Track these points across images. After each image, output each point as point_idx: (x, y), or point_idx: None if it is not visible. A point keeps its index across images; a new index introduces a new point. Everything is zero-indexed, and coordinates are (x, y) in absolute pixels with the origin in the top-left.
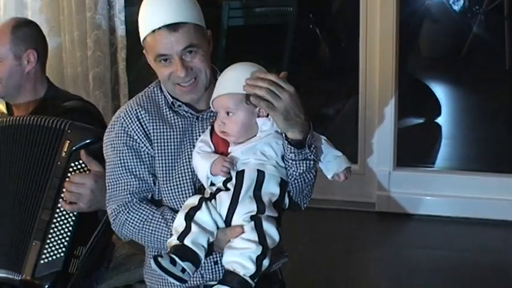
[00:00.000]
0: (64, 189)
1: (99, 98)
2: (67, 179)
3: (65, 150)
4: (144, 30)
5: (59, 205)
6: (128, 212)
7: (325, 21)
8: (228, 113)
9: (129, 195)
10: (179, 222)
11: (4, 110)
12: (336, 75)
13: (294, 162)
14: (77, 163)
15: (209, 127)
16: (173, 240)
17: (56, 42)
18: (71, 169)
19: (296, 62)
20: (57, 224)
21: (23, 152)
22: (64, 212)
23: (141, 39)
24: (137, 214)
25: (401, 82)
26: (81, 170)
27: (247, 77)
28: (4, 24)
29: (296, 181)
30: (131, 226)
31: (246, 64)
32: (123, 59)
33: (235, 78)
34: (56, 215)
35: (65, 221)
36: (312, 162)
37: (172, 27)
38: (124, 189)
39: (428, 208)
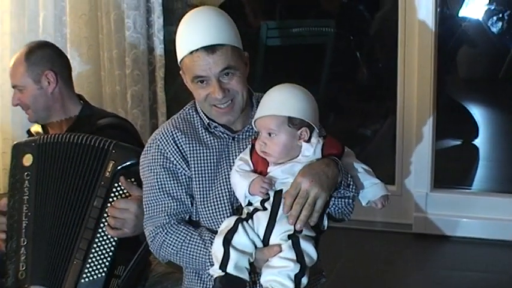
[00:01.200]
0: (108, 215)
1: (137, 116)
2: (111, 205)
3: (109, 170)
4: (181, 51)
5: (101, 225)
6: (165, 234)
7: (363, 42)
8: (269, 134)
9: (167, 217)
10: (217, 248)
11: (40, 129)
12: (373, 96)
13: (332, 199)
14: (120, 183)
15: (249, 145)
16: (216, 270)
17: (95, 60)
18: (114, 189)
19: (334, 82)
20: (99, 244)
21: (64, 170)
22: (106, 232)
23: (179, 60)
24: (175, 235)
25: (439, 103)
26: (124, 191)
27: (290, 100)
28: (18, 54)
29: (337, 207)
30: (169, 248)
31: (289, 86)
32: (161, 78)
33: (278, 101)
34: (98, 235)
35: (107, 241)
36: (350, 200)
37: (210, 49)
38: (162, 210)
39: (465, 230)
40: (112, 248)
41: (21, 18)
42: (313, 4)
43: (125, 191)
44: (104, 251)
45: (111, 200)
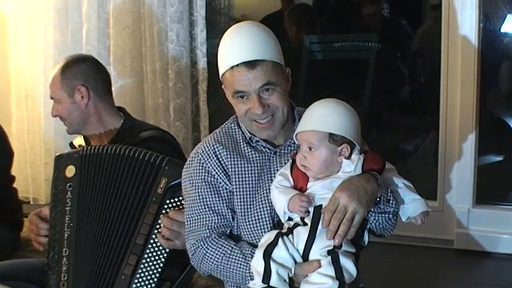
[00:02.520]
0: (162, 225)
1: (179, 129)
2: (166, 215)
3: (161, 187)
4: (223, 65)
5: (151, 241)
6: (206, 247)
7: (405, 57)
8: (310, 148)
9: (208, 231)
10: (257, 262)
11: (82, 142)
12: (415, 111)
13: (372, 214)
14: (172, 200)
15: (290, 160)
16: (257, 284)
17: (138, 73)
18: (165, 206)
19: (376, 97)
20: (148, 260)
21: (109, 182)
22: (156, 249)
23: (220, 74)
24: (216, 249)
25: (482, 119)
26: (175, 207)
27: (332, 116)
28: (56, 68)
29: (377, 222)
30: (210, 261)
31: (333, 102)
32: (204, 91)
33: (320, 116)
34: (148, 250)
35: (156, 257)
36: (390, 215)
37: (250, 64)
38: (203, 224)
39: (507, 246)
40: (161, 264)
41: (65, 30)
42: (356, 19)
43: (180, 206)
44: (152, 267)
45: (169, 217)
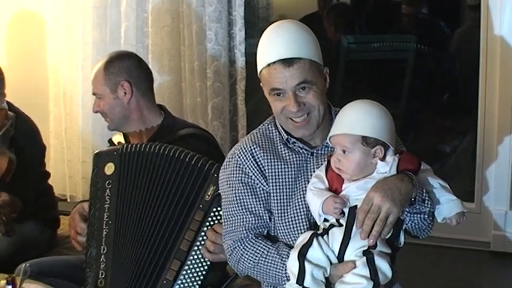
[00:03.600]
0: (207, 238)
1: (217, 128)
2: (211, 229)
3: (209, 194)
4: (260, 63)
5: (195, 248)
6: (243, 248)
7: (443, 57)
8: (344, 151)
9: (245, 231)
10: (293, 262)
11: (121, 139)
12: (453, 112)
13: (408, 214)
14: (219, 208)
15: (325, 162)
16: (293, 285)
17: (176, 71)
18: (212, 214)
19: (414, 98)
20: (191, 266)
21: (150, 181)
22: (200, 256)
23: (258, 71)
24: (253, 250)
25: None
26: (221, 217)
27: (365, 118)
28: (99, 63)
29: (413, 223)
30: (247, 262)
31: (365, 103)
32: (242, 91)
33: (353, 118)
34: (191, 257)
35: (199, 265)
36: (426, 216)
37: (287, 62)
38: (240, 225)
39: None
40: (204, 272)
41: (104, 28)
42: (394, 19)
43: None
44: (195, 274)
45: (207, 224)
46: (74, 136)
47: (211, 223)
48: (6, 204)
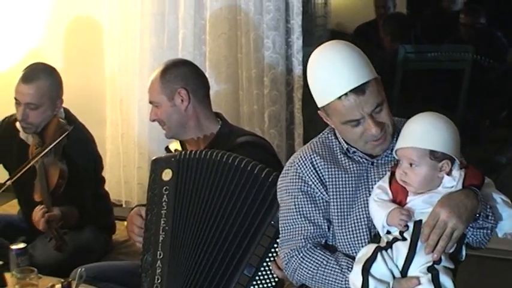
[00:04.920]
0: (276, 254)
1: (273, 136)
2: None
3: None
4: (325, 96)
5: (264, 264)
6: (301, 257)
7: (500, 68)
8: (411, 164)
9: (303, 240)
10: (356, 276)
11: (178, 146)
12: (510, 123)
13: (470, 229)
14: None
15: (388, 173)
16: None
17: (233, 79)
18: None
19: (470, 108)
20: (258, 282)
21: (210, 188)
22: (269, 273)
23: (321, 104)
24: (311, 259)
25: None
26: None
27: (433, 132)
28: (155, 72)
29: (475, 237)
30: (304, 271)
31: (433, 116)
32: (299, 99)
33: (421, 132)
34: (260, 273)
35: (268, 280)
36: (489, 231)
37: (359, 90)
38: (298, 234)
39: None
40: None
41: (161, 35)
42: (451, 29)
43: None
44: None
45: (277, 240)
46: (130, 142)
47: None
48: (57, 219)
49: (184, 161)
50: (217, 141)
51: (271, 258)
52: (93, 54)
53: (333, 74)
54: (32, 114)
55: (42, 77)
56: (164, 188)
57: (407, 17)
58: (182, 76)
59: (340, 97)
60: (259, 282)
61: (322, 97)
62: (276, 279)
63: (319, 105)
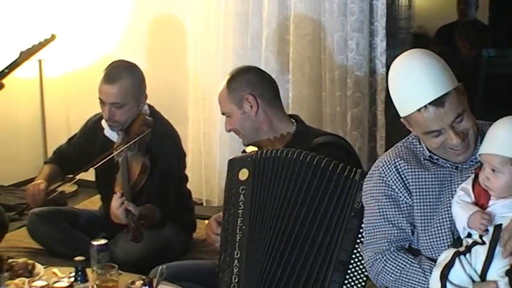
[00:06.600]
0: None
1: (355, 138)
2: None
3: (359, 201)
4: (406, 107)
5: (353, 257)
6: (385, 260)
7: None
8: (493, 170)
9: (387, 244)
10: (435, 282)
11: (255, 149)
12: None
13: None
14: None
15: (472, 175)
16: None
17: (316, 80)
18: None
19: None
20: (351, 275)
21: (287, 187)
22: (360, 265)
23: (402, 114)
24: (394, 262)
25: None
26: None
27: None
28: (222, 84)
29: None
30: (388, 274)
31: None
32: (382, 101)
33: (504, 139)
34: (351, 266)
35: (359, 272)
36: None
37: (438, 103)
38: (382, 237)
39: None
40: (364, 278)
41: (244, 35)
42: None
43: None
44: (357, 282)
45: (362, 231)
46: (212, 141)
47: None
48: (135, 210)
49: (261, 160)
50: (295, 141)
51: (358, 249)
52: (176, 53)
53: (413, 85)
54: (117, 113)
55: (124, 76)
56: (241, 187)
57: (485, 25)
58: (247, 82)
59: (419, 109)
60: (352, 275)
61: (402, 108)
62: (366, 273)
63: (401, 115)
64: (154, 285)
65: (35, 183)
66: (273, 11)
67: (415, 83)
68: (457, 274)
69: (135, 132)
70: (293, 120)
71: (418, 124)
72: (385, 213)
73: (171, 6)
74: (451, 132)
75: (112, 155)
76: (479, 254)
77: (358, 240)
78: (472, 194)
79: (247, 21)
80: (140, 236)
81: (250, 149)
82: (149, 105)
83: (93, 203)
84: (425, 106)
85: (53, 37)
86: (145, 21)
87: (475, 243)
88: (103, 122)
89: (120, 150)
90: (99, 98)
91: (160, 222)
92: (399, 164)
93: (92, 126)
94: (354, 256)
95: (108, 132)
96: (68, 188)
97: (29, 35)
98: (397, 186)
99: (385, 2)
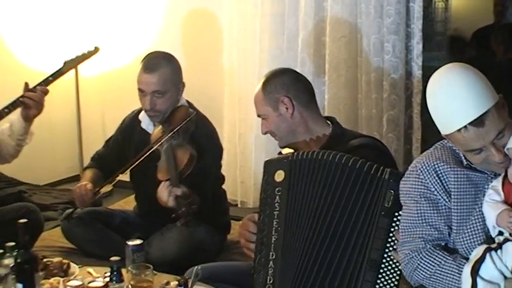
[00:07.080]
0: (393, 243)
1: (391, 140)
2: (396, 231)
3: (388, 200)
4: (446, 127)
5: (385, 255)
6: (421, 258)
7: None
8: None
9: (423, 243)
10: (466, 278)
11: (291, 150)
12: None
13: None
14: (400, 212)
15: (503, 173)
16: None
17: (352, 82)
18: (395, 219)
19: None
20: (384, 275)
21: (321, 188)
22: (391, 263)
23: (443, 132)
24: (430, 258)
25: None
26: None
27: None
28: (258, 86)
29: None
30: (423, 271)
31: None
32: (418, 104)
33: None
34: (383, 265)
35: (392, 271)
36: None
37: (478, 122)
38: (419, 236)
39: None
40: (397, 277)
41: (280, 37)
42: None
43: None
44: (389, 281)
45: (392, 230)
46: (247, 142)
47: (396, 228)
48: (186, 195)
49: (297, 162)
50: (331, 143)
51: (390, 248)
52: (212, 54)
53: (451, 105)
54: (159, 102)
55: (163, 64)
56: (277, 189)
57: None
58: (282, 85)
59: (459, 129)
60: (384, 275)
61: (442, 127)
62: (398, 272)
63: (441, 133)
64: (189, 286)
65: (80, 184)
66: (309, 12)
67: (454, 102)
68: (487, 270)
69: (176, 123)
70: (329, 122)
71: (459, 143)
72: (423, 215)
73: (207, 7)
74: (493, 149)
75: (160, 142)
76: (509, 250)
77: (389, 239)
78: (501, 192)
79: (283, 22)
80: (191, 221)
81: (286, 150)
82: (188, 101)
83: (128, 203)
84: (465, 126)
85: (96, 50)
86: (181, 21)
87: (506, 240)
88: (140, 115)
89: (165, 138)
90: (139, 89)
91: (196, 215)
92: (438, 167)
93: (129, 122)
94: (385, 255)
95: (145, 124)
96: (103, 188)
97: (71, 42)
98: (436, 189)
99: (421, 4)
